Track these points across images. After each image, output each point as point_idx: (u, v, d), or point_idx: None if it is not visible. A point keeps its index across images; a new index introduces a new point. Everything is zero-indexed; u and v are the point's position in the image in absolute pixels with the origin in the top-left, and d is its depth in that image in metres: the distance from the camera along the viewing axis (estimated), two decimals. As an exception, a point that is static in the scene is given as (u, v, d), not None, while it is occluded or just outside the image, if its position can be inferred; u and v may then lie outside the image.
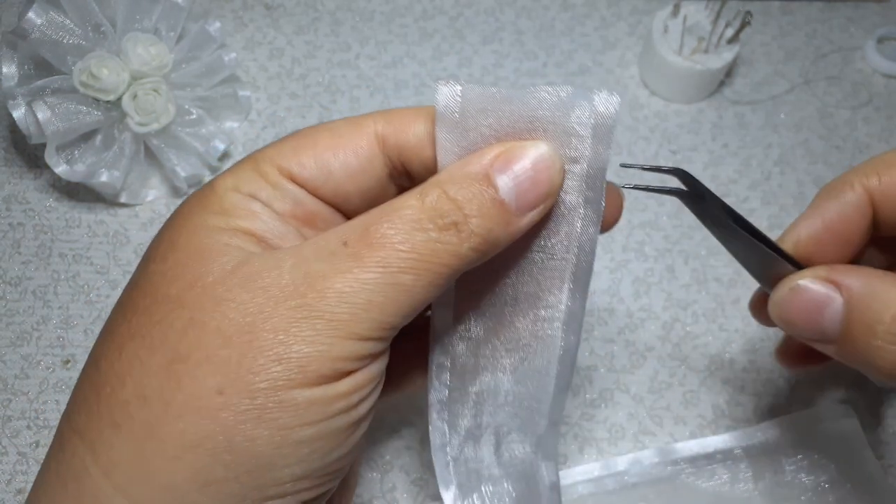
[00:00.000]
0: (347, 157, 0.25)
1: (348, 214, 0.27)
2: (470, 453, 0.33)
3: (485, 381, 0.31)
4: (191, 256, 0.23)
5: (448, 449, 0.32)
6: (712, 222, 0.27)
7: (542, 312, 0.29)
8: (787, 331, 0.27)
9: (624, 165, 0.27)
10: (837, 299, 0.25)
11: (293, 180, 0.25)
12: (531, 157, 0.24)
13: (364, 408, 0.24)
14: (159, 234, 0.25)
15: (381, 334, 0.23)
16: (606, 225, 0.26)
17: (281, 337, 0.21)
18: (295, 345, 0.21)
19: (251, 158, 0.26)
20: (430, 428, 0.32)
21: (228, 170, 0.26)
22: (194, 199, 0.25)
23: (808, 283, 0.26)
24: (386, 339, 0.23)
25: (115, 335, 0.23)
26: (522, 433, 0.33)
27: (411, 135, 0.26)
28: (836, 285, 0.25)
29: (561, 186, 0.25)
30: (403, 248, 0.22)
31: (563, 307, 0.28)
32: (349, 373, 0.22)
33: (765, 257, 0.28)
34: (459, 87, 0.24)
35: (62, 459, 0.23)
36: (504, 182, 0.23)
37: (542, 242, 0.27)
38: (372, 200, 0.27)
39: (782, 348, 0.36)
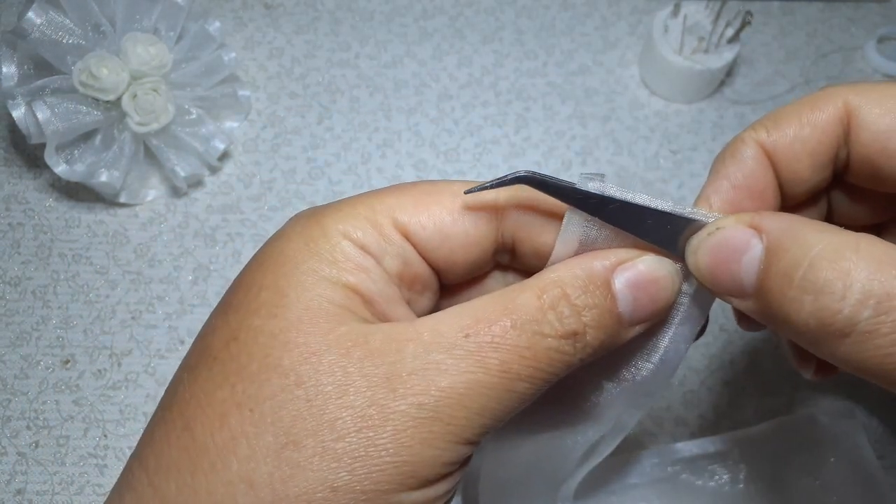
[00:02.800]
0: (467, 226, 0.25)
1: (445, 280, 0.26)
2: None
3: (516, 443, 0.31)
4: (304, 320, 0.22)
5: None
6: (586, 209, 0.24)
7: (590, 413, 0.28)
8: (707, 284, 0.24)
9: (468, 192, 0.24)
10: (757, 245, 0.22)
11: (407, 237, 0.24)
12: (654, 271, 0.23)
13: (450, 501, 0.23)
14: (261, 274, 0.23)
15: (483, 437, 0.22)
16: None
17: (400, 437, 0.20)
18: (412, 447, 0.20)
19: (365, 203, 0.24)
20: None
21: (337, 207, 0.24)
22: (300, 240, 0.23)
23: (729, 227, 0.23)
24: (481, 440, 0.23)
25: (214, 400, 0.21)
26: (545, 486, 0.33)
27: (533, 214, 0.25)
28: (759, 230, 0.22)
29: (674, 304, 0.24)
30: (526, 355, 0.21)
31: (612, 419, 0.28)
32: (451, 474, 0.22)
33: (670, 225, 0.24)
34: (602, 185, 0.24)
35: None
36: (622, 291, 0.23)
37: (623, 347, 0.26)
38: (471, 271, 0.26)
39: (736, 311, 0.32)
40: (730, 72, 0.53)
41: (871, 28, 0.55)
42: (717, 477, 0.40)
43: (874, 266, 0.20)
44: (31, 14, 0.41)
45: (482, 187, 0.24)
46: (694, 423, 0.42)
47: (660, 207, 0.24)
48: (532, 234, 0.25)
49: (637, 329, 0.24)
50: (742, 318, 0.32)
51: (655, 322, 0.24)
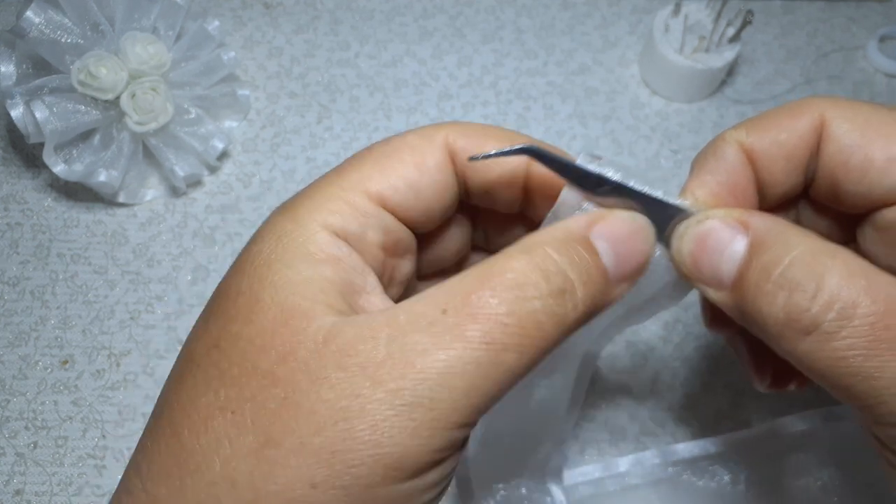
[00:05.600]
0: (433, 174, 0.25)
1: (418, 231, 0.26)
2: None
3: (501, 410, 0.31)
4: (278, 321, 0.21)
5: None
6: (582, 187, 0.25)
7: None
8: (686, 271, 0.25)
9: (471, 159, 0.25)
10: (742, 240, 0.23)
11: (384, 206, 0.24)
12: (629, 224, 0.23)
13: (446, 491, 0.23)
14: (237, 279, 0.23)
15: (476, 419, 0.21)
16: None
17: (378, 428, 0.20)
18: (393, 437, 0.20)
19: (337, 185, 0.24)
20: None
21: (308, 196, 0.24)
22: (272, 238, 0.23)
23: (718, 218, 0.24)
24: (477, 422, 0.22)
25: (199, 405, 0.21)
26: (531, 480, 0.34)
27: (484, 151, 0.25)
28: (745, 227, 0.23)
29: (650, 260, 0.24)
30: (509, 322, 0.20)
31: (580, 355, 0.28)
32: (442, 461, 0.21)
33: (660, 212, 0.25)
34: (601, 167, 0.25)
35: None
36: (603, 246, 0.23)
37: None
38: (444, 217, 0.26)
39: (707, 311, 0.33)
40: (731, 71, 0.53)
41: (873, 28, 0.55)
42: (718, 477, 0.40)
43: (846, 275, 0.21)
44: (29, 13, 0.41)
45: (486, 156, 0.24)
46: (695, 423, 0.42)
47: (653, 194, 0.24)
48: (481, 169, 0.26)
49: (623, 287, 0.24)
50: (713, 317, 0.33)
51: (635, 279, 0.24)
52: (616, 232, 0.23)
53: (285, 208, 0.25)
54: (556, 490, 0.36)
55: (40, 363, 0.42)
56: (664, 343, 0.44)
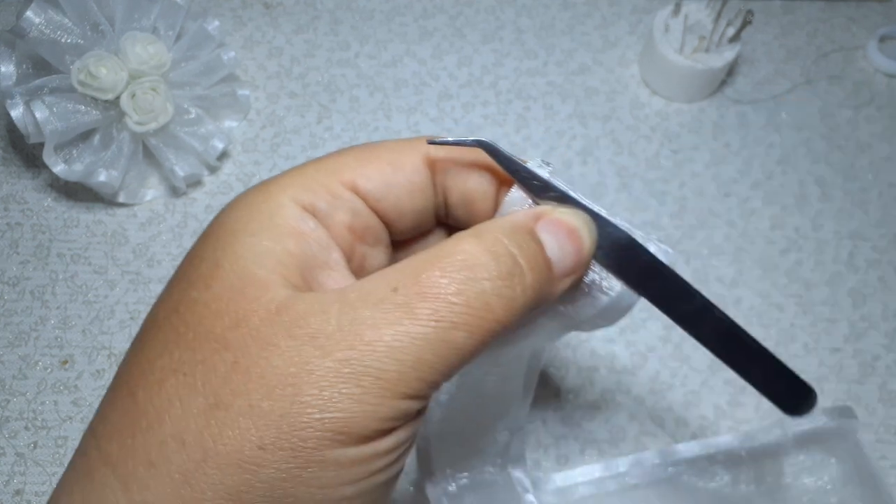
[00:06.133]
0: (408, 174, 0.26)
1: (396, 234, 0.27)
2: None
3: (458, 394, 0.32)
4: (235, 288, 0.22)
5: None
6: (531, 190, 0.26)
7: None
8: None
9: (429, 142, 0.26)
10: None
11: (356, 191, 0.25)
12: (572, 222, 0.24)
13: (403, 462, 0.23)
14: (202, 245, 0.24)
15: (427, 392, 0.22)
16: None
17: (326, 393, 0.20)
18: (340, 402, 0.20)
19: (312, 168, 0.25)
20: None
21: (285, 175, 0.25)
22: (242, 207, 0.24)
23: None
24: (429, 396, 0.22)
25: (155, 367, 0.22)
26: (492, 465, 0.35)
27: (462, 160, 0.26)
28: None
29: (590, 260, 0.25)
30: (457, 301, 0.21)
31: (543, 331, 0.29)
32: (392, 430, 0.22)
33: (599, 230, 0.25)
34: (549, 171, 0.25)
35: (90, 489, 0.22)
36: (547, 239, 0.23)
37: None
38: (418, 223, 0.27)
39: None
40: (731, 71, 0.53)
41: (873, 28, 0.55)
42: (718, 477, 0.39)
43: None
44: (29, 13, 0.41)
45: (444, 141, 0.25)
46: (695, 423, 0.42)
47: (594, 209, 0.25)
48: (461, 177, 0.26)
49: (566, 282, 0.24)
50: None
51: (578, 278, 0.25)
52: (559, 227, 0.24)
53: (261, 183, 0.25)
54: (518, 474, 0.36)
55: (40, 363, 0.42)
56: (664, 343, 0.44)
